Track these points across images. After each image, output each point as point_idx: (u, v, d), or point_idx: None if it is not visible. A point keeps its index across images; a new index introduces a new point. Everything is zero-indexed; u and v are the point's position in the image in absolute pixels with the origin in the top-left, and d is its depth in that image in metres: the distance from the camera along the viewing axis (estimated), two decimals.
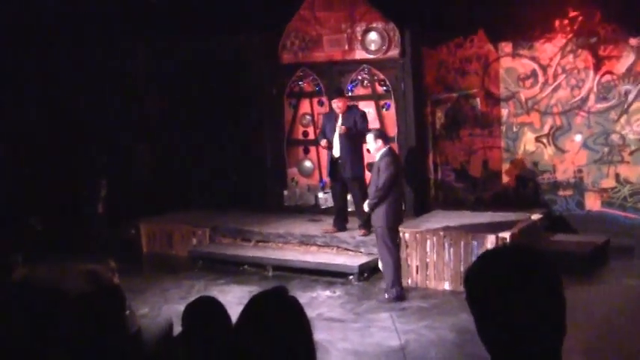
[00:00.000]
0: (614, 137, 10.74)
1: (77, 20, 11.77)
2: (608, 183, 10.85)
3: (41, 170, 11.65)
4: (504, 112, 11.40)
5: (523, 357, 1.91)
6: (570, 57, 10.88)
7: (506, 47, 11.27)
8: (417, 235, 9.41)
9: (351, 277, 9.67)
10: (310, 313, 2.67)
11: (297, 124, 12.14)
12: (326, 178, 11.29)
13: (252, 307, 2.49)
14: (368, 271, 9.75)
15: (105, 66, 12.56)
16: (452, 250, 9.18)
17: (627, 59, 10.55)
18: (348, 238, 10.32)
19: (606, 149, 10.81)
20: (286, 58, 11.76)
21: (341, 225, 10.54)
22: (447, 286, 9.21)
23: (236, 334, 2.51)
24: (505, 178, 11.51)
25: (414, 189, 11.00)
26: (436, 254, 9.28)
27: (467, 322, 6.17)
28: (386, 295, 8.82)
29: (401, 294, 8.80)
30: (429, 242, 9.33)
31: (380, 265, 9.05)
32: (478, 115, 11.56)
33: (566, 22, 10.81)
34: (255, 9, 11.47)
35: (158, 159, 13.61)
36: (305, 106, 12.08)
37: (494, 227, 9.28)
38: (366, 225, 9.88)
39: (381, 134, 9.00)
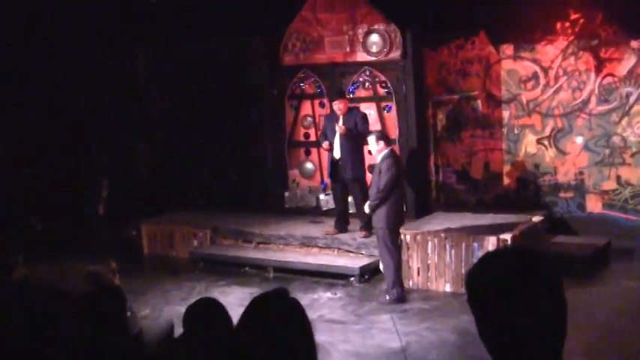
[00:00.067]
0: (616, 139, 10.74)
1: (77, 20, 11.78)
2: (609, 185, 10.85)
3: (41, 170, 11.65)
4: (505, 114, 11.40)
5: (524, 359, 1.91)
6: (572, 59, 10.88)
7: (508, 49, 11.27)
8: (418, 236, 9.41)
9: (352, 278, 9.67)
10: (311, 314, 2.66)
11: (298, 125, 12.14)
12: (327, 180, 11.29)
13: (253, 308, 2.48)
14: (369, 273, 9.75)
15: (105, 66, 12.57)
16: (453, 251, 9.17)
17: (628, 61, 10.55)
18: (349, 239, 10.31)
19: (607, 151, 10.80)
20: (287, 59, 11.76)
21: (342, 227, 10.54)
22: (448, 287, 9.20)
23: (237, 336, 2.51)
24: (506, 180, 11.51)
25: (415, 191, 11.00)
26: (437, 256, 9.28)
27: (468, 324, 6.18)
28: (387, 297, 8.82)
29: (402, 296, 8.80)
30: (430, 244, 9.32)
31: (381, 266, 9.05)
32: (479, 117, 11.55)
33: (567, 24, 10.81)
34: (256, 10, 11.47)
35: (158, 159, 13.62)
36: (306, 107, 12.08)
37: (496, 229, 9.27)
38: (367, 227, 9.87)
39: (383, 136, 9.00)
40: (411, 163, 10.84)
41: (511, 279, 1.93)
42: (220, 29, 11.89)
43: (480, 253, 8.62)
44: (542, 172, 11.26)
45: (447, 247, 9.22)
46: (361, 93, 11.56)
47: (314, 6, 11.44)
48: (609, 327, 7.43)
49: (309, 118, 12.03)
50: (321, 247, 10.48)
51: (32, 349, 3.55)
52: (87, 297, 3.84)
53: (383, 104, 11.38)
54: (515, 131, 11.36)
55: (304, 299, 8.57)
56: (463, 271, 8.87)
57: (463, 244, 9.12)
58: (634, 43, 10.48)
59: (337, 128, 10.12)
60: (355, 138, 10.14)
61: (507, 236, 8.99)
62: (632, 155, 10.66)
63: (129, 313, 4.81)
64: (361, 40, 11.14)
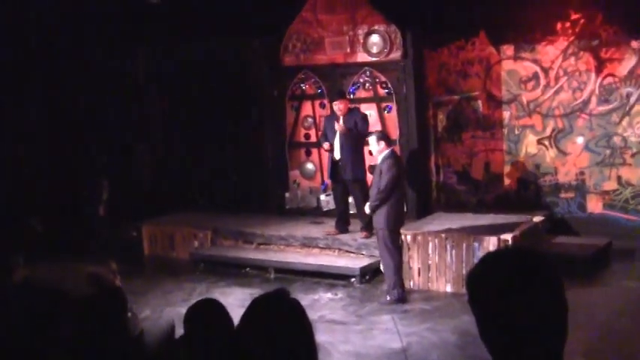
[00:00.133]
0: (616, 139, 10.74)
1: (77, 20, 11.78)
2: (610, 185, 10.85)
3: (41, 170, 11.65)
4: (506, 114, 11.40)
5: (525, 359, 1.91)
6: (572, 59, 10.88)
7: (508, 50, 11.27)
8: (419, 237, 9.40)
9: (352, 279, 9.67)
10: (312, 315, 2.66)
11: (299, 126, 12.14)
12: (327, 181, 11.29)
13: (254, 309, 2.48)
14: (370, 274, 9.75)
15: (105, 66, 12.57)
16: (454, 252, 9.17)
17: (629, 62, 10.55)
18: (350, 240, 10.31)
19: (608, 151, 10.80)
20: (288, 60, 11.75)
21: (343, 227, 10.54)
22: (448, 288, 9.20)
23: (238, 337, 2.51)
24: (507, 181, 11.51)
25: (415, 191, 10.99)
26: (438, 256, 9.27)
27: (469, 325, 6.18)
28: (387, 298, 8.81)
29: (402, 296, 8.80)
30: (430, 244, 9.32)
31: (382, 267, 9.05)
32: (480, 118, 11.55)
33: (567, 24, 10.81)
34: (256, 10, 11.47)
35: (158, 159, 13.63)
36: (307, 108, 12.07)
37: (496, 229, 9.27)
38: (368, 227, 9.87)
39: (384, 136, 8.99)
40: (411, 163, 10.84)
41: (512, 279, 1.93)
42: (220, 30, 11.89)
43: (480, 254, 8.61)
44: (542, 173, 11.26)
45: (448, 247, 9.22)
46: (362, 94, 11.55)
47: (314, 7, 11.44)
48: (610, 327, 7.43)
49: (310, 119, 12.03)
50: (321, 248, 10.48)
51: (33, 350, 3.55)
52: (87, 298, 3.84)
53: (383, 105, 11.38)
54: (516, 132, 11.36)
55: (305, 300, 8.57)
56: (464, 271, 8.86)
57: (464, 245, 9.12)
58: (634, 44, 10.48)
59: (337, 126, 10.11)
60: (355, 138, 10.14)
61: (508, 237, 8.98)
62: (633, 155, 10.66)
63: (129, 314, 4.81)
64: (362, 40, 11.14)
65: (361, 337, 7.70)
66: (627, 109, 10.64)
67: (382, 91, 11.38)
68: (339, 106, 10.20)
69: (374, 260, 9.68)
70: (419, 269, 9.39)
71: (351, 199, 10.52)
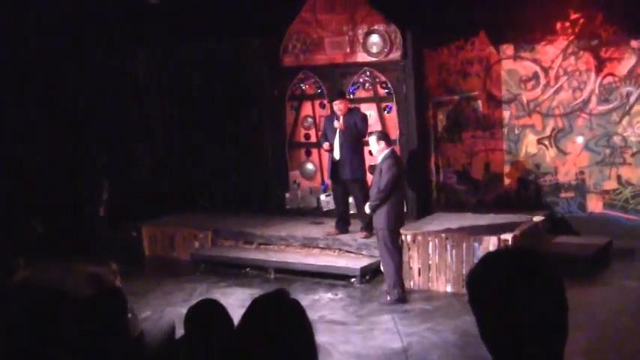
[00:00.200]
0: (616, 139, 10.74)
1: (77, 20, 11.78)
2: (610, 185, 10.85)
3: (41, 170, 11.65)
4: (506, 114, 11.40)
5: (525, 359, 1.91)
6: (572, 59, 10.88)
7: (508, 49, 11.27)
8: (419, 237, 9.40)
9: (353, 279, 9.67)
10: (312, 315, 2.66)
11: (298, 126, 12.14)
12: (328, 181, 11.29)
13: (254, 309, 2.48)
14: (370, 274, 9.75)
15: (105, 66, 12.57)
16: (454, 252, 9.17)
17: (629, 61, 10.55)
18: (350, 240, 10.31)
19: (608, 151, 10.80)
20: (288, 60, 11.75)
21: (343, 227, 10.54)
22: (449, 288, 9.20)
23: (238, 337, 2.51)
24: (507, 181, 11.51)
25: (415, 191, 11.00)
26: (438, 256, 9.27)
27: (469, 325, 6.17)
28: (388, 298, 8.81)
29: (403, 296, 8.79)
30: (430, 244, 9.32)
31: (382, 267, 9.05)
32: (480, 118, 11.55)
33: (567, 24, 10.81)
34: (256, 11, 11.47)
35: (158, 159, 13.62)
36: (307, 108, 12.08)
37: (496, 229, 9.27)
38: (368, 227, 9.87)
39: (384, 136, 8.98)
40: (411, 163, 10.84)
41: (512, 279, 1.93)
42: (220, 30, 11.90)
43: (480, 254, 8.60)
44: (542, 172, 11.26)
45: (448, 247, 9.22)
46: (361, 94, 11.55)
47: (314, 7, 11.44)
48: (610, 327, 7.43)
49: (310, 119, 12.03)
50: (322, 248, 10.48)
51: (33, 350, 3.55)
52: (87, 298, 3.84)
53: (383, 105, 11.38)
54: (516, 131, 11.36)
55: (305, 300, 8.57)
56: (464, 271, 8.86)
57: (464, 245, 9.12)
58: (634, 43, 10.48)
59: (336, 124, 10.11)
60: (355, 138, 10.14)
61: (508, 236, 8.98)
62: (633, 155, 10.66)
63: (130, 315, 4.80)
64: (361, 40, 11.13)
65: (361, 338, 7.70)
66: (627, 108, 10.64)
67: (382, 91, 11.38)
68: (339, 106, 10.19)
69: (374, 260, 9.68)
70: (419, 269, 9.39)
71: (351, 200, 10.52)
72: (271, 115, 12.16)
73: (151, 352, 5.05)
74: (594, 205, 10.97)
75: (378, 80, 11.35)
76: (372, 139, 8.91)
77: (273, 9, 11.39)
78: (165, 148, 13.60)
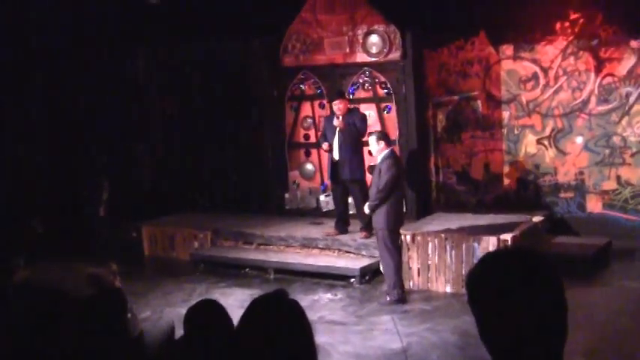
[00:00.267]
0: (616, 139, 10.74)
1: (77, 20, 11.78)
2: (610, 185, 10.85)
3: (41, 170, 11.65)
4: (505, 114, 11.40)
5: (525, 359, 1.91)
6: (571, 59, 10.88)
7: (508, 49, 11.27)
8: (419, 237, 9.40)
9: (352, 279, 9.67)
10: (312, 316, 2.66)
11: (298, 126, 12.14)
12: (327, 181, 11.29)
13: (253, 310, 2.48)
14: (369, 274, 9.75)
15: (105, 66, 12.57)
16: (453, 252, 9.17)
17: (628, 61, 10.55)
18: (350, 240, 10.31)
19: (607, 151, 10.81)
20: (287, 61, 11.75)
21: (342, 228, 10.54)
22: (448, 288, 9.20)
23: (237, 337, 2.51)
24: (506, 181, 11.51)
25: (415, 191, 11.00)
26: (438, 256, 9.28)
27: (469, 325, 6.18)
28: (387, 298, 8.81)
29: (402, 296, 8.80)
30: (430, 244, 9.32)
31: (381, 267, 9.05)
32: (479, 118, 11.55)
33: (567, 24, 10.81)
34: (256, 11, 11.47)
35: (158, 159, 13.62)
36: (306, 109, 12.08)
37: (496, 229, 9.27)
38: (368, 227, 9.87)
39: (384, 136, 8.99)
40: (411, 163, 10.84)
41: (511, 279, 1.93)
42: (220, 30, 11.90)
43: (480, 254, 8.61)
44: (542, 173, 11.26)
45: (448, 247, 9.22)
46: (361, 94, 11.55)
47: (314, 7, 11.44)
48: (610, 327, 7.43)
49: (309, 120, 12.03)
50: (321, 249, 10.48)
51: (33, 350, 3.55)
52: (87, 299, 3.84)
53: (383, 105, 11.39)
54: (515, 132, 11.36)
55: (305, 300, 8.58)
56: (464, 271, 8.86)
57: (463, 245, 9.12)
58: (634, 43, 10.48)
59: (335, 122, 10.11)
60: (354, 139, 10.14)
61: (508, 237, 8.98)
62: (632, 155, 10.66)
63: (129, 315, 4.80)
64: (361, 41, 11.13)
65: (361, 338, 7.70)
66: (627, 108, 10.64)
67: (382, 92, 11.38)
68: (338, 106, 10.19)
69: (374, 261, 9.68)
70: (418, 269, 9.39)
71: (350, 200, 10.52)
72: (271, 116, 12.16)
73: (151, 352, 5.05)
74: (594, 205, 10.98)
75: (377, 80, 11.35)
76: (371, 139, 8.91)
77: (273, 9, 11.39)
78: (165, 148, 13.60)
